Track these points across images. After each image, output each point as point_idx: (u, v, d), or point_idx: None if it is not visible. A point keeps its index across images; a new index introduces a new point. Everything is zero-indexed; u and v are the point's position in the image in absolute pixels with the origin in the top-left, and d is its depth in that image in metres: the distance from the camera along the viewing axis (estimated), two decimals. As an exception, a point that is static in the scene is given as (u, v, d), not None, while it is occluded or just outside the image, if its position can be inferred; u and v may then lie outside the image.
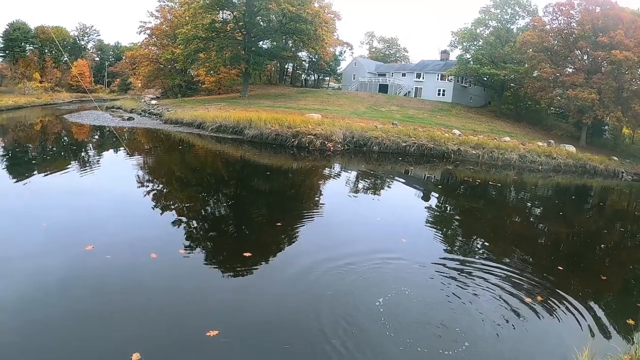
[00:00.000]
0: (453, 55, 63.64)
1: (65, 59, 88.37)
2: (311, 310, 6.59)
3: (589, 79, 40.61)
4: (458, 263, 9.20)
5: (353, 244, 9.90)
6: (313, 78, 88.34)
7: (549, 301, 7.63)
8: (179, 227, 10.31)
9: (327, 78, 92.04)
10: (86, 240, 8.48)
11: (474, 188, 20.48)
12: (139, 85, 78.20)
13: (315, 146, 26.07)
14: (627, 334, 6.85)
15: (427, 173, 23.92)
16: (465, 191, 19.67)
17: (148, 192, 13.89)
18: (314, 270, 7.99)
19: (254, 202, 14.18)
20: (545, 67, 43.24)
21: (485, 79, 55.94)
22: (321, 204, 14.48)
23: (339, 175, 21.14)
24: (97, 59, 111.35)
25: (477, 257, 9.99)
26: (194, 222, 11.08)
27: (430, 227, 12.59)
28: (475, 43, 56.58)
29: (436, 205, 16.64)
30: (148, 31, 65.37)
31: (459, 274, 8.50)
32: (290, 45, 59.80)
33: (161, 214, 11.54)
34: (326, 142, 26.46)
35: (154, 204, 12.54)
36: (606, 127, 51.66)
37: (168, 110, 41.46)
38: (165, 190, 14.96)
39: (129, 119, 40.16)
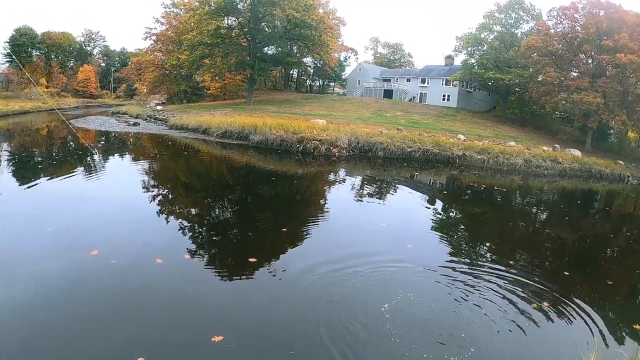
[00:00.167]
0: (458, 60, 63.79)
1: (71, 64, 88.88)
2: (317, 316, 6.59)
3: (594, 83, 40.53)
4: (464, 268, 9.17)
5: (358, 250, 9.87)
6: (318, 84, 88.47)
7: (555, 306, 7.59)
8: (184, 232, 10.33)
9: (332, 84, 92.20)
10: (92, 245, 8.53)
11: (479, 193, 20.42)
12: (145, 90, 78.52)
13: (321, 152, 26.10)
14: (634, 339, 6.81)
15: (433, 178, 23.89)
16: (471, 196, 19.62)
17: (154, 198, 13.96)
18: (320, 275, 8.00)
19: (259, 208, 14.19)
20: (550, 71, 43.19)
21: (490, 83, 55.85)
22: (326, 209, 14.48)
23: (344, 180, 21.15)
24: (103, 64, 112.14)
25: (482, 262, 9.95)
26: (200, 227, 11.12)
27: (435, 232, 12.55)
28: (479, 48, 56.55)
29: (441, 211, 16.60)
30: (154, 37, 65.74)
31: (464, 279, 8.47)
32: (295, 51, 59.94)
33: (167, 219, 11.57)
34: (331, 148, 26.48)
35: (160, 209, 12.59)
36: (611, 131, 51.45)
37: (173, 116, 41.69)
38: (170, 195, 15.01)
39: (135, 124, 40.43)
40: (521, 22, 56.56)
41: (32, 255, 8.09)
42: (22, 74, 77.55)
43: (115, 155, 24.30)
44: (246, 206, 14.41)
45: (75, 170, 17.94)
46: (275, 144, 27.22)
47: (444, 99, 61.09)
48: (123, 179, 16.82)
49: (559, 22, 45.17)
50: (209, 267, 8.44)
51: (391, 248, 10.32)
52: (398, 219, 13.84)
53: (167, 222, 11.29)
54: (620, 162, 35.76)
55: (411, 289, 7.75)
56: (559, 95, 45.55)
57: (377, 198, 17.43)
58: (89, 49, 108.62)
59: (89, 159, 21.15)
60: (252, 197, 16.08)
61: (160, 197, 14.23)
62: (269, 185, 18.12)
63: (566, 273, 9.71)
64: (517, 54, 49.65)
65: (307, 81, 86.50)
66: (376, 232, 11.83)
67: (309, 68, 77.91)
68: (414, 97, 64.61)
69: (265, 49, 56.57)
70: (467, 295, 7.70)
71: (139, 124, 40.55)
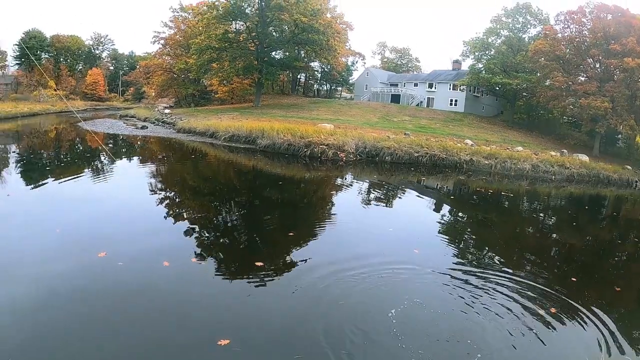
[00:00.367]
0: (465, 65, 63.65)
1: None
2: (322, 321, 6.60)
3: (602, 87, 40.32)
4: (471, 274, 9.13)
5: (365, 254, 9.85)
6: (325, 88, 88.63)
7: (563, 313, 7.55)
8: (191, 235, 10.37)
9: (339, 88, 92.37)
10: (99, 247, 8.59)
11: (486, 198, 20.34)
12: (153, 94, 79.14)
13: (328, 156, 26.12)
14: (642, 347, 6.76)
15: (440, 183, 23.82)
16: (478, 201, 19.54)
17: (161, 200, 14.03)
18: (326, 280, 8.00)
19: (266, 212, 14.21)
20: (558, 76, 43.02)
21: (497, 88, 55.72)
22: (333, 213, 14.49)
23: (351, 185, 21.14)
24: (112, 67, 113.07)
25: (490, 268, 9.91)
26: (207, 230, 11.15)
27: (442, 237, 12.52)
28: (487, 52, 56.42)
29: (448, 216, 16.54)
30: (162, 41, 66.27)
31: (471, 285, 8.44)
32: (303, 55, 60.11)
33: (174, 222, 11.62)
34: (338, 152, 26.49)
35: (167, 212, 12.65)
36: (619, 136, 51.04)
37: (181, 120, 41.86)
38: (178, 198, 15.08)
39: (143, 127, 40.65)
40: (528, 26, 56.41)
41: (39, 256, 8.16)
42: (32, 77, 78.45)
43: (124, 157, 24.43)
44: (253, 210, 14.43)
45: (84, 171, 18.06)
46: (283, 148, 27.29)
47: (451, 104, 60.99)
48: (131, 182, 16.93)
49: (566, 26, 44.97)
50: (216, 270, 8.46)
51: (398, 252, 10.30)
52: (405, 224, 13.81)
53: (175, 224, 11.34)
54: (628, 167, 35.48)
55: (418, 294, 7.74)
56: (566, 100, 45.28)
57: (384, 203, 17.42)
58: (97, 52, 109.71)
59: (97, 161, 21.29)
60: (259, 201, 16.10)
61: (167, 200, 14.30)
62: (276, 189, 18.14)
63: (574, 279, 9.65)
64: (525, 58, 49.45)
65: (315, 85, 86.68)
66: (383, 236, 11.81)
67: (316, 72, 78.13)
68: (421, 102, 64.56)
69: (273, 53, 56.76)
70: (474, 301, 7.67)
71: (147, 127, 40.76)
